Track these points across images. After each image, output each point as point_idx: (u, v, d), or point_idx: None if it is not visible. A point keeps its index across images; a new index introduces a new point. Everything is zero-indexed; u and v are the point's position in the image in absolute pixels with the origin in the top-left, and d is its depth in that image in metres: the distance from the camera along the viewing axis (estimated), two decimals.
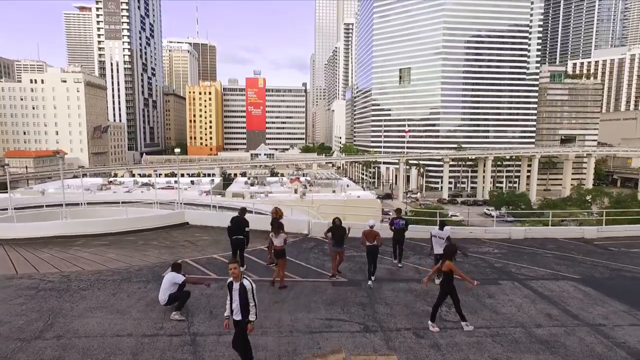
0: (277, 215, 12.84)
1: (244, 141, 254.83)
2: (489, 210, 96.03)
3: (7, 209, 24.00)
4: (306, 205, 73.51)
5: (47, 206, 26.89)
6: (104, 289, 10.09)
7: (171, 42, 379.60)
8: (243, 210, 12.65)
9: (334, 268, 11.92)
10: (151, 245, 14.88)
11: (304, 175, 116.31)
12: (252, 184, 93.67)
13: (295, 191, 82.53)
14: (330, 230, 11.80)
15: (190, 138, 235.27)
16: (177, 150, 27.17)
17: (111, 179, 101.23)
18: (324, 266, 13.08)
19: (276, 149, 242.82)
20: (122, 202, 30.43)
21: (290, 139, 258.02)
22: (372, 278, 11.30)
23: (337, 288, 11.02)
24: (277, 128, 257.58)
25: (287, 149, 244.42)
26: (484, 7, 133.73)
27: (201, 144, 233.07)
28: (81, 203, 26.77)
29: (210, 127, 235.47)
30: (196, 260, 12.85)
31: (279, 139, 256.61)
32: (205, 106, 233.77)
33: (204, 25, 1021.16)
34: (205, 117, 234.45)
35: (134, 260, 12.76)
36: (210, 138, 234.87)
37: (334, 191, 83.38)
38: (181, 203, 23.39)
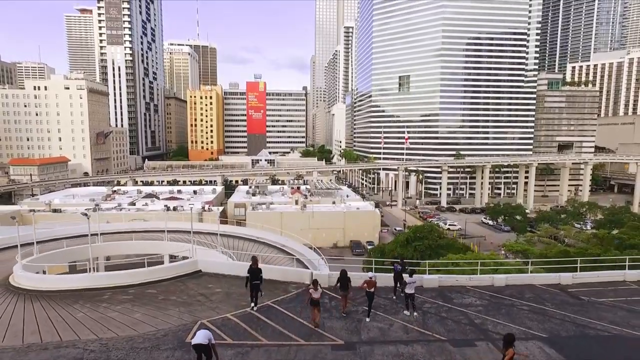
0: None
1: (245, 145, 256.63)
2: (486, 219, 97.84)
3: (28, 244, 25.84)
4: (307, 219, 74.81)
5: (67, 239, 28.82)
6: (138, 359, 11.94)
7: (172, 44, 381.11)
8: (255, 260, 16.38)
9: (344, 307, 16.06)
10: (171, 302, 16.72)
11: (304, 183, 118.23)
12: (253, 194, 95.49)
13: (296, 202, 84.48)
14: (339, 280, 15.80)
15: (192, 142, 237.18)
16: (197, 210, 28.94)
17: (115, 188, 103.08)
18: (324, 325, 14.92)
19: (276, 153, 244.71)
20: (134, 233, 32.37)
21: (291, 142, 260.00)
22: (369, 316, 15.53)
23: (335, 353, 12.84)
24: (278, 132, 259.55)
25: (287, 153, 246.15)
26: (482, 14, 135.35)
27: (202, 148, 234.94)
28: (98, 234, 28.66)
29: (211, 131, 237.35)
30: (212, 322, 14.70)
31: (280, 142, 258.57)
32: (206, 110, 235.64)
33: (204, 26, 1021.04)
34: (206, 122, 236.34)
35: (158, 322, 14.62)
36: (211, 142, 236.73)
37: (333, 202, 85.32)
38: (192, 235, 25.31)
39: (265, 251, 30.48)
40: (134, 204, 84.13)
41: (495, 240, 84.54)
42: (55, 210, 74.95)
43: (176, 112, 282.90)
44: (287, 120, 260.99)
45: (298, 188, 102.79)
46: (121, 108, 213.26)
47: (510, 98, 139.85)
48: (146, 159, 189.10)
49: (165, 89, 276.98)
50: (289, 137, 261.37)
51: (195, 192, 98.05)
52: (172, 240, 30.59)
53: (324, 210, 79.00)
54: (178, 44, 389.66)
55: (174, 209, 78.48)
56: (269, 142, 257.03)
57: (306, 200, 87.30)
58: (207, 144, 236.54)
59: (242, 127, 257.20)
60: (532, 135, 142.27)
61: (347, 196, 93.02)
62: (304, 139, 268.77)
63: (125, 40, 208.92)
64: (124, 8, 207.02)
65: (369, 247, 74.57)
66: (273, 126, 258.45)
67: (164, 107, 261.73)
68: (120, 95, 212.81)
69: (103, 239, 28.71)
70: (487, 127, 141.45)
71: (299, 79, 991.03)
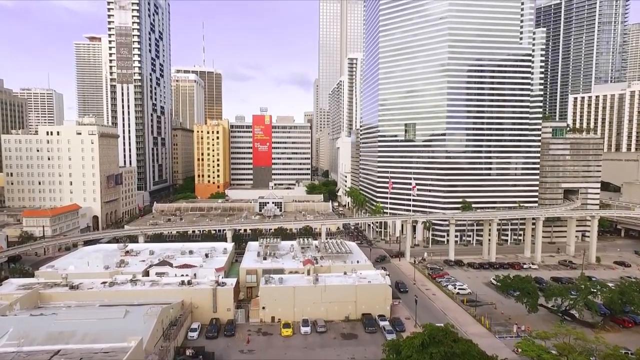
0: None
1: (251, 177, 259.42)
2: (495, 280, 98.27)
3: None
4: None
5: None
6: None
7: (178, 71, 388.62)
8: None
9: None
10: None
11: (314, 238, 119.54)
12: (264, 257, 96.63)
13: (308, 272, 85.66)
14: None
15: (198, 176, 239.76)
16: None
17: (127, 248, 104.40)
18: None
19: (282, 185, 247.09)
20: None
21: (296, 174, 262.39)
22: None
23: None
24: (283, 164, 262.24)
25: (293, 185, 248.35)
26: (485, 48, 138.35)
27: (209, 181, 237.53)
28: None
29: (218, 164, 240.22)
30: None
31: (285, 174, 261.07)
32: (212, 145, 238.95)
33: (207, 43, 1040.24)
34: (213, 156, 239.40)
35: None
36: (218, 176, 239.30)
37: (345, 272, 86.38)
38: None
39: None
40: (148, 274, 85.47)
41: (506, 309, 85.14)
42: (72, 287, 76.12)
43: (183, 143, 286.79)
44: (293, 153, 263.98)
45: (309, 260, 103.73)
46: (129, 145, 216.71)
47: (516, 146, 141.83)
48: (155, 202, 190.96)
49: (172, 119, 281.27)
50: (294, 169, 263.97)
51: (207, 255, 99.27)
52: None
53: (336, 284, 79.89)
54: (184, 71, 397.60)
55: (189, 283, 79.93)
56: (275, 174, 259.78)
57: (317, 267, 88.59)
58: (213, 177, 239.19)
59: (247, 160, 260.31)
60: (537, 182, 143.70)
61: (357, 261, 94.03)
62: (309, 172, 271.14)
63: (135, 79, 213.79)
64: (134, 48, 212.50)
65: (381, 322, 75.34)
66: (279, 158, 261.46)
67: (170, 139, 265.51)
68: (129, 132, 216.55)
69: None
70: (491, 174, 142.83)
71: (300, 96, 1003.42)
